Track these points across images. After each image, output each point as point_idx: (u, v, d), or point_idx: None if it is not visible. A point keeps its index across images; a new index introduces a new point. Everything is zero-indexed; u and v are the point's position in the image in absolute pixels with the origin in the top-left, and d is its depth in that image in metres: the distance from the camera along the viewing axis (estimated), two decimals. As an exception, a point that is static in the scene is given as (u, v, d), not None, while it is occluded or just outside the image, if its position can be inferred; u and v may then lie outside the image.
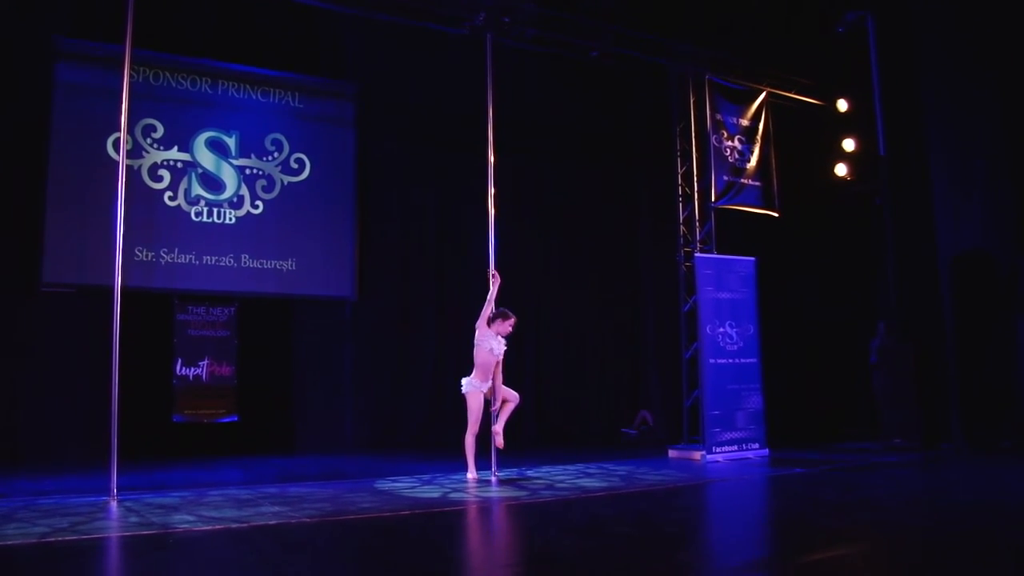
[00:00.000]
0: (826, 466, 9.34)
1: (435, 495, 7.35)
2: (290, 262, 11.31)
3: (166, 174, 10.72)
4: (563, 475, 8.66)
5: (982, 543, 5.26)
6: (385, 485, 7.94)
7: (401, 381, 12.13)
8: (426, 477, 8.51)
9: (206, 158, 10.97)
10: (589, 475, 8.66)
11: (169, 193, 10.72)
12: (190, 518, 6.05)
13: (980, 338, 11.22)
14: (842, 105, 12.59)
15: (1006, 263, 11.48)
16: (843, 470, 9.11)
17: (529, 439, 12.28)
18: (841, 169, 12.72)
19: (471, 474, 8.28)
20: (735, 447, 10.29)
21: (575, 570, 4.65)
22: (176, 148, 10.81)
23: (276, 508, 6.50)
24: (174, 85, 10.88)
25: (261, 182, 11.26)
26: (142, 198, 10.42)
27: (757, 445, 10.50)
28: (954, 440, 10.83)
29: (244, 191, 11.15)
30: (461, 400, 8.44)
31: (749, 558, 5.15)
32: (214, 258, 10.85)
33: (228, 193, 11.06)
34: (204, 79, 11.06)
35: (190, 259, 10.72)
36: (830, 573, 4.52)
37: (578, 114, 13.52)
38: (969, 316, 11.25)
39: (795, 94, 12.25)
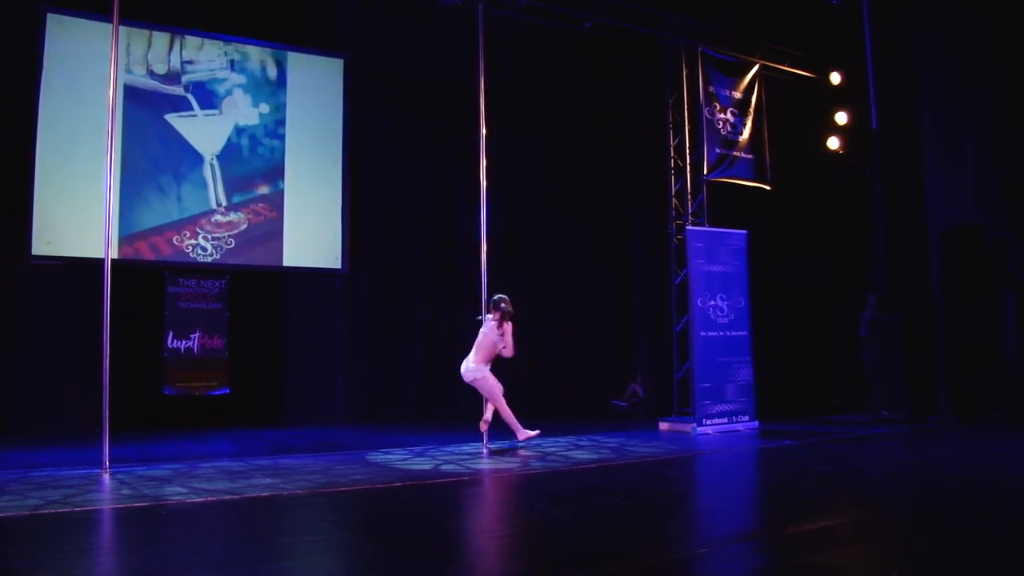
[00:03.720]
0: (815, 438, 9.40)
1: (427, 467, 7.38)
2: (281, 234, 11.27)
3: (155, 145, 10.65)
4: (554, 447, 8.71)
5: (969, 514, 5.31)
6: (377, 457, 7.98)
7: (392, 353, 12.15)
8: (418, 449, 8.54)
9: (195, 129, 10.91)
10: (580, 447, 8.71)
11: (158, 165, 10.65)
12: (182, 490, 6.06)
13: (968, 311, 11.28)
14: (835, 78, 12.54)
15: (995, 236, 11.52)
16: (832, 442, 9.18)
17: (520, 411, 12.27)
18: (833, 142, 12.69)
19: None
20: (725, 419, 10.35)
21: (565, 541, 4.69)
22: (165, 119, 10.75)
23: (268, 480, 6.52)
24: (163, 56, 10.77)
25: (250, 152, 11.18)
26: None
27: (747, 417, 10.56)
28: (942, 412, 10.91)
29: (234, 163, 11.11)
30: (456, 372, 8.68)
31: (739, 529, 5.20)
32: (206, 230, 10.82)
33: (218, 165, 11.02)
34: (193, 50, 10.94)
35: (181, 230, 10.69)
36: (819, 543, 4.56)
37: (571, 86, 13.44)
38: (958, 289, 11.29)
39: (788, 67, 12.19)
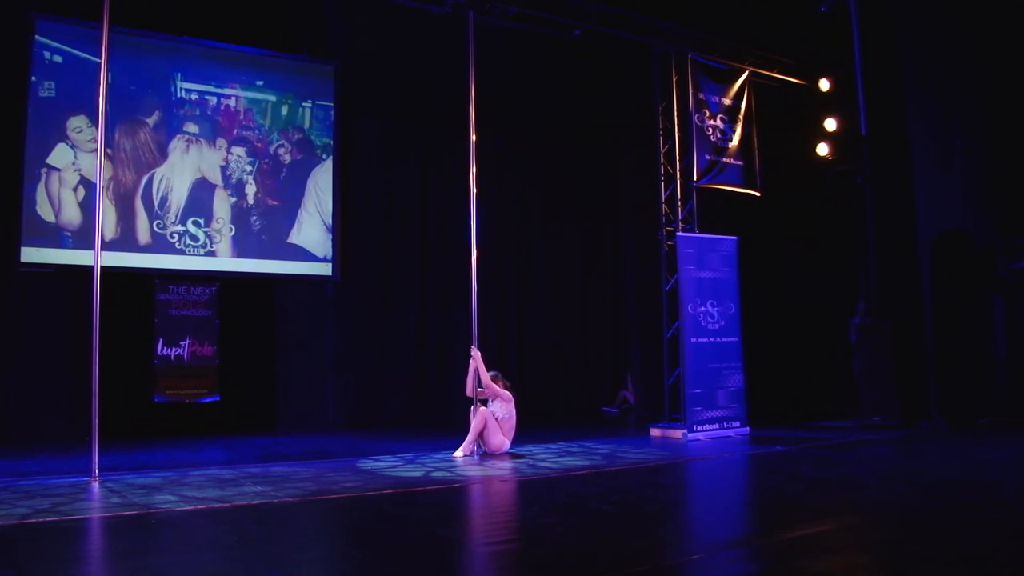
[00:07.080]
0: (806, 444, 9.41)
1: (417, 474, 7.37)
2: (271, 241, 11.26)
3: (145, 152, 10.63)
4: (545, 453, 8.70)
5: (959, 520, 5.32)
6: (367, 464, 7.96)
7: (383, 360, 12.13)
8: (408, 456, 8.52)
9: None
10: (571, 453, 8.70)
11: (148, 172, 10.63)
12: (172, 498, 6.04)
13: (958, 317, 11.32)
14: (824, 85, 12.59)
15: (984, 243, 11.58)
16: (823, 448, 9.19)
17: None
18: (823, 149, 12.74)
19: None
20: (716, 425, 10.36)
21: (557, 547, 4.68)
22: (155, 126, 10.72)
23: (258, 488, 6.50)
24: (153, 63, 10.75)
25: (241, 160, 11.17)
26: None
27: (738, 423, 10.57)
28: (932, 418, 10.94)
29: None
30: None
31: (730, 535, 5.20)
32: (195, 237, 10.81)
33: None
34: (183, 57, 10.92)
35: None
36: (810, 549, 4.57)
37: (561, 92, 13.47)
38: (948, 295, 11.34)
39: (777, 73, 12.24)
